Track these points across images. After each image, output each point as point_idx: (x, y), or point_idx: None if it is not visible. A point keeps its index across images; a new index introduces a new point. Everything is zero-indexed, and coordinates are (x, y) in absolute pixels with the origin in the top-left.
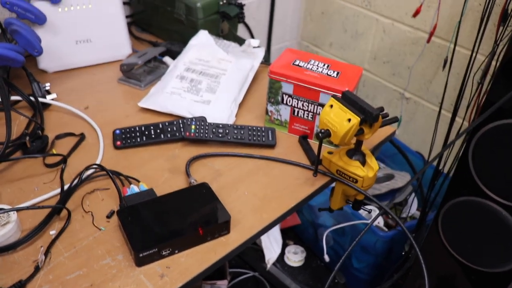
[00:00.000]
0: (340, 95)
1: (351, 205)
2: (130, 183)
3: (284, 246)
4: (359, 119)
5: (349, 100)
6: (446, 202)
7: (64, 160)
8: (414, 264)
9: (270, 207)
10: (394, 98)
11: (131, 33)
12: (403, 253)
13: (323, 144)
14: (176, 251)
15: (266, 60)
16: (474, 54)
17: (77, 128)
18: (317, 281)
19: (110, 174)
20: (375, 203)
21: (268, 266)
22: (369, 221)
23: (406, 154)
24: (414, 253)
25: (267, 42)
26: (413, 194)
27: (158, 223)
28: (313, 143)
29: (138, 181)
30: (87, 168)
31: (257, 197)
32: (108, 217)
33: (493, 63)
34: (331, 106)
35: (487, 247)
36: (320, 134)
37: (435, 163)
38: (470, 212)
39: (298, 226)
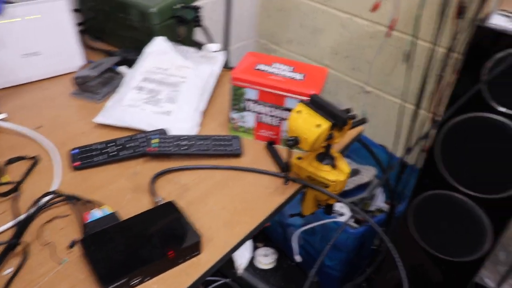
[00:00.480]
0: (307, 98)
1: (323, 209)
2: (92, 208)
3: (254, 248)
4: (329, 124)
5: (317, 104)
6: (415, 196)
7: (16, 188)
8: (386, 258)
9: (241, 221)
10: (355, 92)
11: (83, 42)
12: (373, 248)
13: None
14: (147, 279)
15: (227, 64)
16: (435, 47)
17: (30, 150)
18: (289, 282)
19: (69, 200)
20: (348, 206)
21: (239, 271)
22: (338, 219)
23: (371, 149)
24: (384, 247)
25: (225, 42)
26: (379, 187)
27: (125, 250)
28: (281, 149)
29: (100, 205)
30: (44, 196)
31: (228, 210)
32: (71, 246)
33: (455, 55)
34: (299, 111)
35: (456, 237)
36: (289, 142)
37: (399, 155)
38: (439, 205)
39: (267, 228)
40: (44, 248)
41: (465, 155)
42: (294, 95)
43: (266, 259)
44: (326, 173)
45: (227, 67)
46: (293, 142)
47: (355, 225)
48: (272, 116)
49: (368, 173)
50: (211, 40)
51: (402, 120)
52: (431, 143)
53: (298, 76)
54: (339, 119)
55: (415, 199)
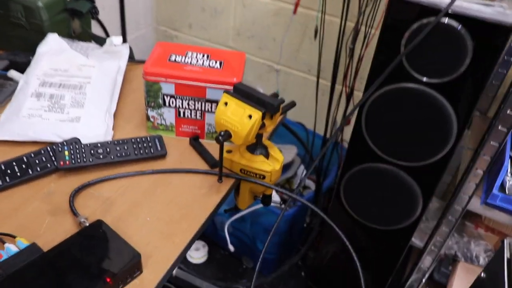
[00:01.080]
0: (230, 87)
1: (260, 200)
2: (4, 242)
3: None
4: (260, 113)
5: (243, 93)
6: (346, 171)
7: None
8: (320, 234)
9: (180, 229)
10: (264, 71)
11: None
12: (305, 225)
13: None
14: None
15: (131, 57)
16: (343, 22)
17: None
18: (225, 271)
19: None
20: (286, 194)
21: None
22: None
23: (292, 128)
24: (316, 223)
25: (122, 32)
26: (302, 165)
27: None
28: (206, 143)
29: (14, 237)
30: None
31: (163, 220)
32: None
33: (363, 28)
34: (226, 103)
35: (389, 207)
36: (220, 138)
37: (320, 131)
38: (369, 177)
39: None
40: None
41: (390, 127)
42: (215, 85)
43: (198, 253)
44: (260, 163)
45: (132, 60)
46: (225, 137)
47: (280, 206)
48: (193, 109)
49: (289, 152)
50: (107, 33)
51: (309, 94)
52: (357, 118)
53: (215, 64)
54: (270, 107)
55: (346, 174)
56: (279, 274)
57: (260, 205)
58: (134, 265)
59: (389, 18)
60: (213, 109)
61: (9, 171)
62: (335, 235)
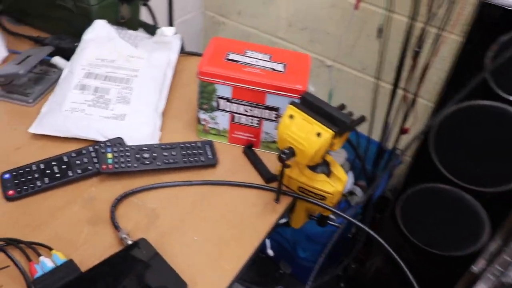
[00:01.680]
0: (294, 95)
1: (315, 221)
2: (39, 254)
3: None
4: (332, 133)
5: (311, 106)
6: (406, 188)
7: None
8: (365, 246)
9: (230, 253)
10: (314, 66)
11: (2, 27)
12: (350, 236)
13: (271, 152)
14: None
15: (182, 48)
16: (410, 21)
17: None
18: (262, 275)
19: (7, 245)
20: (345, 218)
21: None
22: None
23: None
24: (363, 236)
25: (168, 17)
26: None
27: None
28: (261, 153)
29: (50, 249)
30: None
31: (211, 241)
32: None
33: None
34: (291, 116)
35: (450, 232)
36: (283, 156)
37: (376, 138)
38: (431, 197)
39: None
40: None
41: (462, 146)
42: (277, 91)
43: None
44: (322, 183)
45: (182, 51)
46: (289, 155)
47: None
48: (250, 116)
49: (338, 156)
50: (155, 20)
51: (366, 95)
52: (425, 134)
53: (278, 66)
54: (342, 126)
55: (405, 192)
56: (317, 284)
57: None
58: None
59: (475, 25)
60: (272, 117)
61: (48, 171)
62: (383, 250)
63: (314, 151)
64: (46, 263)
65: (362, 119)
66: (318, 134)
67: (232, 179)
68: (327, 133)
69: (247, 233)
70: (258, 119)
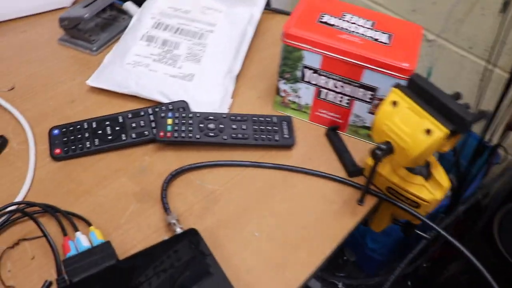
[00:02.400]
0: (398, 75)
1: (399, 227)
2: (76, 229)
3: None
4: (446, 131)
5: (421, 92)
6: (507, 202)
7: None
8: (445, 251)
9: (296, 258)
10: None
11: None
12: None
13: (359, 139)
14: None
15: (267, 4)
16: None
17: None
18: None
19: (44, 212)
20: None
21: None
22: None
23: None
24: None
25: None
26: None
27: None
28: (347, 138)
29: (89, 224)
30: (8, 206)
31: (275, 240)
32: None
33: None
34: (394, 103)
35: None
36: (378, 152)
37: (477, 131)
38: None
39: None
40: None
41: None
42: (377, 68)
43: None
44: (418, 188)
45: (268, 7)
46: (385, 152)
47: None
48: (339, 92)
49: None
50: None
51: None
52: None
53: (382, 37)
54: (460, 123)
55: (506, 205)
56: (383, 279)
57: None
58: None
59: None
60: (366, 98)
61: (100, 131)
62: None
63: (419, 153)
64: (82, 241)
65: (482, 114)
66: (428, 131)
67: (308, 166)
68: (439, 131)
69: (319, 236)
70: (349, 98)
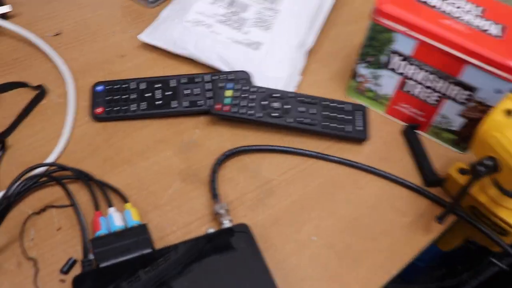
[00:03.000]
0: (509, 79)
1: (472, 249)
2: (110, 204)
3: None
4: None
5: None
6: None
7: (1, 140)
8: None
9: (355, 275)
10: None
11: None
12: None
13: (440, 143)
14: None
15: None
16: None
17: (35, 72)
18: None
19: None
20: None
21: None
22: None
23: None
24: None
25: None
26: None
27: None
28: (427, 140)
29: (125, 200)
30: (33, 168)
31: (334, 248)
32: (64, 272)
33: None
34: (509, 112)
35: None
36: (480, 170)
37: None
38: None
39: None
40: (23, 263)
41: None
42: (483, 64)
43: None
44: (510, 213)
45: None
46: (489, 169)
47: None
48: (429, 87)
49: None
50: None
51: None
52: None
53: (493, 28)
54: None
55: None
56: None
57: None
58: None
59: None
60: (460, 98)
61: (148, 94)
62: None
63: None
64: (115, 219)
65: None
66: None
67: (379, 166)
68: None
69: (384, 252)
70: (439, 95)
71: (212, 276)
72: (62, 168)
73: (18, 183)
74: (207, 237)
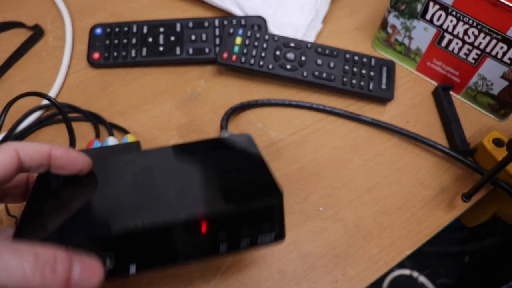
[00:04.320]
0: None
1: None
2: (111, 134)
3: None
4: None
5: None
6: None
7: None
8: None
9: (364, 253)
10: None
11: None
12: None
13: (476, 108)
14: (141, 266)
15: None
16: None
17: (32, 12)
18: None
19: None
20: None
21: None
22: None
23: None
24: None
25: None
26: None
27: (114, 201)
28: (461, 103)
29: (126, 132)
30: (36, 110)
31: (342, 223)
32: None
33: None
34: None
35: None
36: None
37: None
38: None
39: None
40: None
41: None
42: None
43: None
44: None
45: None
46: None
47: None
48: (469, 43)
49: None
50: None
51: None
52: None
53: None
54: None
55: None
56: None
57: None
58: (266, 212)
59: None
60: (505, 58)
61: (150, 39)
62: None
63: None
64: (110, 142)
65: None
66: None
67: (408, 130)
68: None
69: (400, 229)
70: (480, 52)
71: (203, 170)
72: (74, 109)
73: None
74: (206, 140)
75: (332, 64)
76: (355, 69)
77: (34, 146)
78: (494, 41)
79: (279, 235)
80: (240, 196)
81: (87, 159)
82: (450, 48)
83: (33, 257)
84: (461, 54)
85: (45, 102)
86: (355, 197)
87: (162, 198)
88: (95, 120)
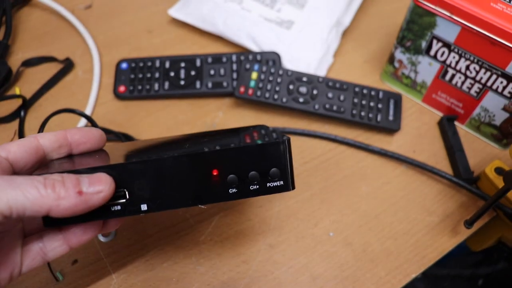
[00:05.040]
0: None
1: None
2: None
3: None
4: None
5: None
6: None
7: (24, 104)
8: None
9: (371, 276)
10: None
11: None
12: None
13: (479, 138)
14: (152, 206)
15: None
16: None
17: (63, 46)
18: None
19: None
20: None
21: None
22: None
23: None
24: None
25: None
26: None
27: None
28: (464, 132)
29: None
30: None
31: (352, 248)
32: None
33: None
34: None
35: None
36: None
37: None
38: None
39: None
40: None
41: None
42: None
43: None
44: None
45: None
46: None
47: None
48: (471, 78)
49: None
50: None
51: None
52: None
53: None
54: None
55: None
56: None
57: None
58: (273, 159)
59: None
60: (505, 92)
61: (172, 73)
62: None
63: None
64: None
65: None
66: None
67: (414, 159)
68: None
69: (405, 253)
70: (481, 86)
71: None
72: (108, 131)
73: None
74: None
75: (342, 97)
76: (363, 102)
77: (50, 132)
78: (494, 76)
79: (287, 184)
80: (249, 142)
81: (100, 130)
82: (454, 82)
83: (42, 178)
84: (464, 87)
85: (81, 123)
86: (363, 223)
87: (175, 148)
88: (125, 139)
